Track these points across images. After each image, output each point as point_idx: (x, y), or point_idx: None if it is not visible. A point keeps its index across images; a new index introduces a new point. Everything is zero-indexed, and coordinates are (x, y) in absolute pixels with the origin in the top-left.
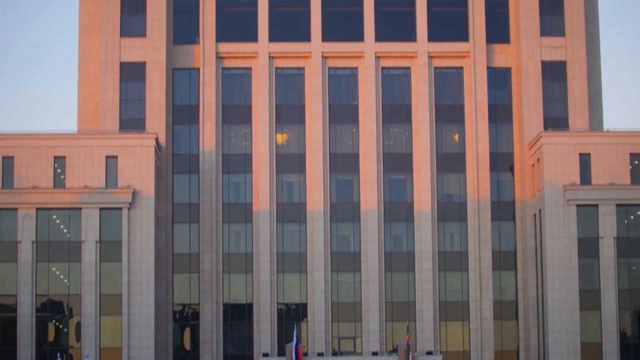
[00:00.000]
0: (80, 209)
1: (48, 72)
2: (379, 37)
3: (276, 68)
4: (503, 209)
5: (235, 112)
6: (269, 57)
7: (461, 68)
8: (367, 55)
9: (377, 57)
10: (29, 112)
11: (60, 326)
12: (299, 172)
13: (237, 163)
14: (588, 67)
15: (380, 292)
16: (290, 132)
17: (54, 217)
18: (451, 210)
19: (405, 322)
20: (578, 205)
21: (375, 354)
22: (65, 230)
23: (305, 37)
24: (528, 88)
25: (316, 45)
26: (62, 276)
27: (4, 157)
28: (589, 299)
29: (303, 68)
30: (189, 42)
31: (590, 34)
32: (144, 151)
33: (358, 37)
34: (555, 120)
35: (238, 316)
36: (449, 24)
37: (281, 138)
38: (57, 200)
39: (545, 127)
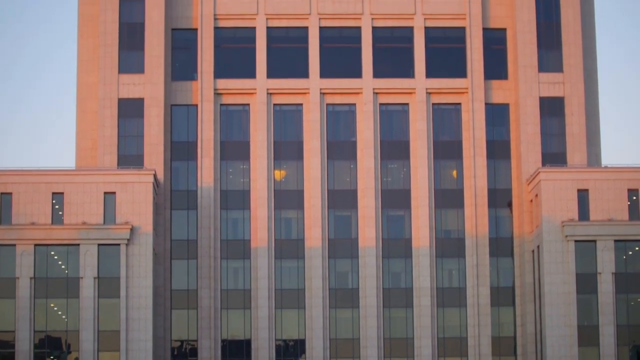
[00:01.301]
0: (78, 245)
1: (46, 108)
2: (377, 74)
3: (274, 104)
4: (501, 245)
5: (234, 149)
6: (267, 93)
7: (459, 104)
8: (365, 91)
9: (375, 94)
10: (27, 148)
11: None
12: (297, 208)
13: (235, 199)
14: (586, 102)
15: (379, 328)
16: (288, 168)
17: (52, 253)
18: (449, 246)
19: (404, 359)
20: (576, 241)
21: None
22: (63, 267)
23: (304, 73)
24: (526, 124)
25: (314, 81)
26: (60, 312)
27: (2, 193)
28: (588, 335)
29: (301, 104)
30: (187, 79)
31: (588, 69)
32: (142, 187)
33: (356, 73)
34: (554, 156)
35: (236, 352)
36: (447, 61)
37: (279, 174)
38: (55, 237)
39: (544, 163)
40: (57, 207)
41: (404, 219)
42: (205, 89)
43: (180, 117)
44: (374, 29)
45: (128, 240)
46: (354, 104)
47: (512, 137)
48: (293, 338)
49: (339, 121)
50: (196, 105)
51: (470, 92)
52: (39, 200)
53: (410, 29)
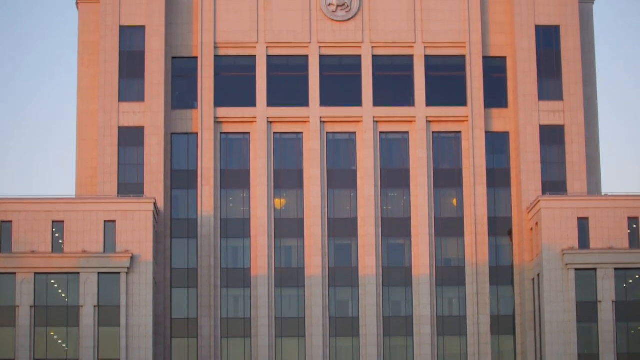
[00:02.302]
0: (78, 273)
1: (46, 136)
2: (377, 102)
3: (274, 133)
4: (501, 274)
5: (234, 177)
6: (267, 121)
7: (459, 132)
8: (365, 120)
9: (375, 122)
10: (27, 176)
11: None
12: (297, 236)
13: (235, 228)
14: (586, 130)
15: (379, 356)
16: (288, 196)
17: (52, 281)
18: (449, 274)
19: None
20: (576, 269)
21: None
22: (63, 295)
23: (304, 102)
24: (526, 152)
25: (314, 110)
26: (60, 341)
27: (2, 222)
28: None
29: (301, 133)
30: (187, 107)
31: (588, 97)
32: (142, 216)
33: (356, 102)
34: (554, 184)
35: None
36: (447, 89)
37: (279, 203)
38: (56, 265)
39: (544, 192)
40: (57, 235)
41: (404, 247)
42: (205, 118)
43: (180, 145)
44: (374, 57)
45: (128, 268)
46: (354, 133)
47: (512, 166)
48: None
49: (339, 149)
50: (196, 134)
51: (471, 120)
52: (39, 229)
53: (411, 57)
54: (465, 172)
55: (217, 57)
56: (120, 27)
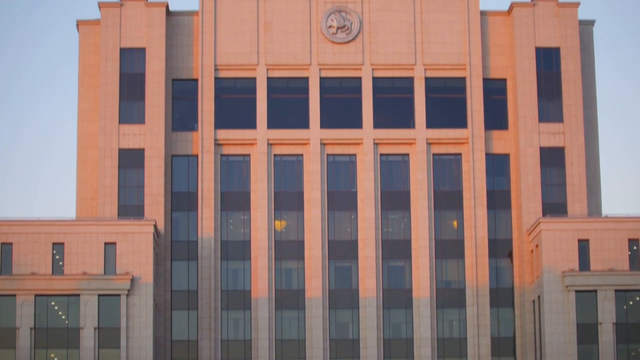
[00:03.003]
0: (78, 295)
1: (47, 158)
2: (377, 124)
3: (275, 155)
4: (502, 296)
5: (234, 199)
6: (268, 144)
7: (459, 154)
8: (366, 142)
9: (376, 144)
10: (28, 198)
11: None
12: (298, 258)
13: (235, 250)
14: (586, 152)
15: None
16: (288, 218)
17: (53, 303)
18: (450, 296)
19: None
20: (577, 291)
21: None
22: (63, 317)
23: (304, 124)
24: (526, 174)
25: (315, 132)
26: None
27: (2, 244)
28: None
29: (302, 155)
30: (187, 129)
31: (589, 119)
32: (142, 238)
33: (356, 124)
34: (554, 206)
35: None
36: (447, 111)
37: (280, 225)
38: (56, 287)
39: (544, 213)
40: (57, 257)
41: (405, 269)
42: (205, 140)
43: (180, 167)
44: (375, 79)
45: (128, 290)
46: (355, 155)
47: (513, 188)
48: None
49: (340, 171)
50: (197, 156)
51: (471, 142)
52: (40, 251)
53: (411, 79)
54: (465, 194)
55: (217, 79)
56: (121, 49)
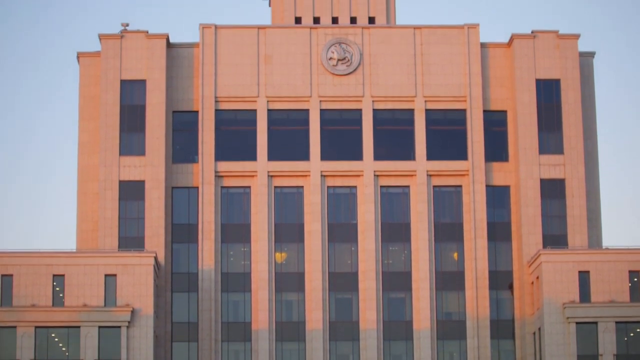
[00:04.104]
0: (79, 327)
1: (47, 190)
2: (378, 156)
3: (275, 187)
4: (502, 327)
5: (234, 231)
6: (268, 175)
7: (460, 186)
8: (366, 174)
9: (376, 176)
10: (28, 229)
11: None
12: (298, 290)
13: (236, 282)
14: (587, 184)
15: None
16: (289, 250)
17: (53, 335)
18: (450, 328)
19: None
20: (577, 323)
21: None
22: (64, 349)
23: (304, 156)
24: (527, 206)
25: (315, 164)
26: None
27: (2, 275)
28: None
29: (302, 187)
30: (188, 161)
31: (589, 151)
32: (143, 270)
33: (357, 156)
34: (554, 238)
35: None
36: (447, 143)
37: (280, 257)
38: (56, 319)
39: (545, 245)
40: (57, 289)
41: (405, 301)
42: (206, 172)
43: (181, 199)
44: (375, 111)
45: (129, 322)
46: (355, 187)
47: (513, 219)
48: None
49: (340, 203)
50: (197, 188)
51: (471, 174)
52: (40, 282)
53: (411, 111)
54: (465, 226)
55: (217, 111)
56: (121, 81)
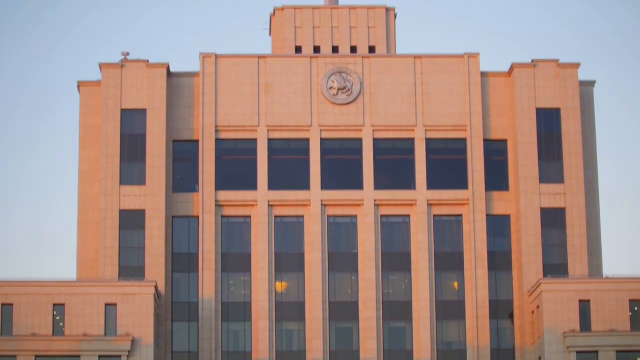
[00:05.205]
0: (79, 356)
1: (47, 219)
2: (378, 186)
3: (275, 216)
4: (503, 357)
5: (235, 261)
6: (269, 205)
7: (460, 216)
8: (367, 203)
9: (377, 205)
10: (28, 259)
11: None
12: (299, 320)
13: (236, 311)
14: (587, 213)
15: None
16: (289, 280)
17: None
18: (451, 358)
19: None
20: (578, 352)
21: None
22: None
23: (305, 185)
24: (527, 235)
25: (315, 193)
26: None
27: (3, 305)
28: None
29: (302, 216)
30: (188, 190)
31: (589, 180)
32: (143, 299)
33: (357, 185)
34: (555, 267)
35: None
36: (448, 172)
37: (280, 286)
38: (56, 348)
39: (545, 274)
40: (58, 318)
41: (405, 330)
42: (206, 201)
43: (181, 228)
44: (375, 140)
45: (129, 352)
46: (355, 216)
47: (514, 249)
48: None
49: (340, 233)
50: (197, 217)
51: (472, 203)
52: (40, 312)
53: (412, 140)
54: (466, 256)
55: (218, 140)
56: (122, 110)
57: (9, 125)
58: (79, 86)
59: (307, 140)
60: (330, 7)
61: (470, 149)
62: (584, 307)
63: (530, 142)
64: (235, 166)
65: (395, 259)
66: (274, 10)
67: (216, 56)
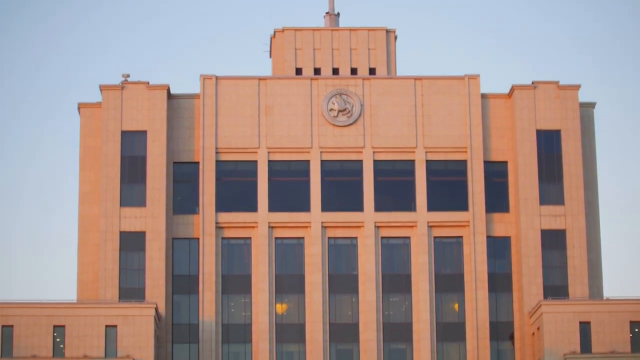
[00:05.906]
0: None
1: (47, 241)
2: (379, 207)
3: (276, 238)
4: None
5: (235, 282)
6: (269, 227)
7: (461, 237)
8: (367, 225)
9: (377, 227)
10: (28, 280)
11: None
12: (299, 342)
13: (236, 333)
14: (587, 234)
15: None
16: (289, 302)
17: None
18: None
19: None
20: None
21: None
22: None
23: (305, 207)
24: (528, 257)
25: (315, 215)
26: None
27: (3, 326)
28: None
29: (302, 238)
30: (188, 212)
31: (589, 201)
32: (143, 321)
33: (357, 207)
34: (555, 288)
35: None
36: (448, 194)
37: (281, 308)
38: None
39: (545, 296)
40: (58, 340)
41: (406, 352)
42: (206, 223)
43: (181, 250)
44: (376, 162)
45: None
46: (356, 238)
47: (514, 270)
48: None
49: (340, 255)
50: (197, 239)
51: (472, 225)
52: (40, 333)
53: (412, 162)
54: (466, 277)
55: (218, 162)
56: (122, 132)
57: (9, 148)
58: (79, 108)
59: (307, 162)
60: (331, 29)
61: (470, 171)
62: (585, 328)
63: (530, 163)
64: (236, 188)
65: (396, 281)
66: (274, 32)
67: (216, 78)
